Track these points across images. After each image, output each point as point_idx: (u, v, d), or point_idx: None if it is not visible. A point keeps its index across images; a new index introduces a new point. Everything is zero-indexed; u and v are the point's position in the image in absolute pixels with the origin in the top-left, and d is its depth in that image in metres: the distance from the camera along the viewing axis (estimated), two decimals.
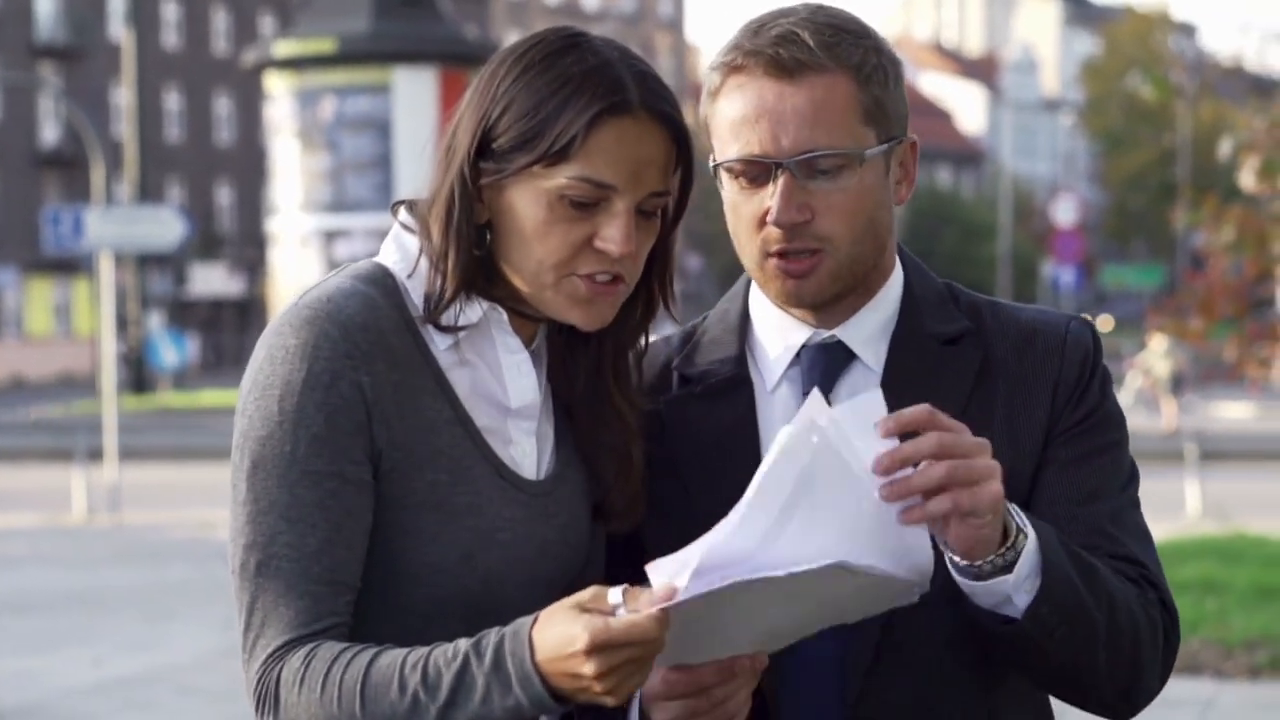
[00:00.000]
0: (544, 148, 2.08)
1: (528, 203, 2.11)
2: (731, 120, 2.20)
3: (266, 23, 64.33)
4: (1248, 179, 12.98)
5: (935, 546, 1.99)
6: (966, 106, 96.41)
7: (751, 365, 2.32)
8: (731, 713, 2.03)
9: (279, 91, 20.57)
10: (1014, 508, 2.04)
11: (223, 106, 64.79)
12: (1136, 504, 2.26)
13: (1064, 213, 47.35)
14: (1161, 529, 2.68)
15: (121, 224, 20.43)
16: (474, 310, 2.16)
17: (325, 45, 20.29)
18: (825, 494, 1.89)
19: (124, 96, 43.56)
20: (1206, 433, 20.04)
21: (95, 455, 19.09)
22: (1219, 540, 12.74)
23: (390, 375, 2.09)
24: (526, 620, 1.91)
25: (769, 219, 2.18)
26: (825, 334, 2.27)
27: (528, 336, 2.21)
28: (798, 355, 2.28)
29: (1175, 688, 8.64)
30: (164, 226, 21.09)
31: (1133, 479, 2.27)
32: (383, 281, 2.15)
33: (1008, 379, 2.24)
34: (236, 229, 64.13)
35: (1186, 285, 14.68)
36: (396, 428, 2.09)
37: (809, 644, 2.08)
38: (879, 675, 2.19)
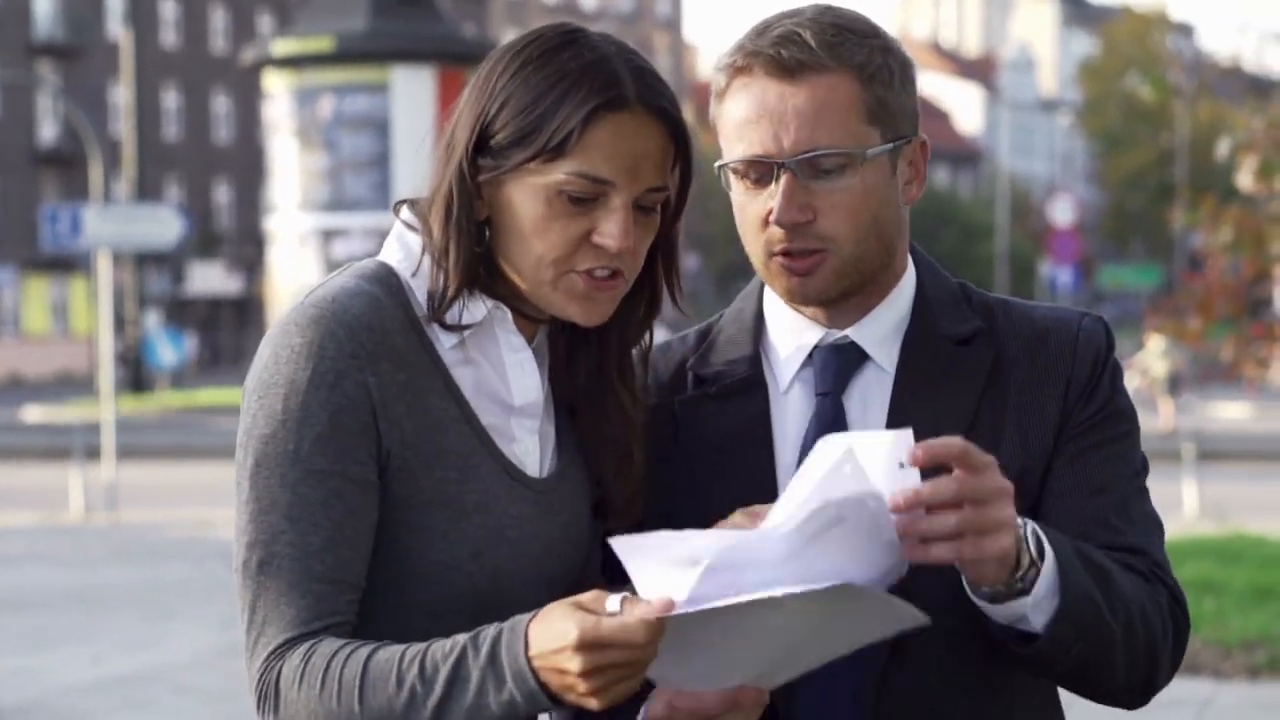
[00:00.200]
0: (541, 143, 2.09)
1: (526, 199, 2.11)
2: (736, 121, 2.21)
3: (265, 21, 64.31)
4: (1246, 179, 12.98)
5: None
6: (964, 106, 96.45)
7: (765, 366, 2.32)
8: None
9: (277, 90, 20.57)
10: (1031, 529, 2.03)
11: (221, 105, 64.78)
12: (1144, 493, 2.27)
13: (1062, 213, 47.35)
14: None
15: (119, 222, 20.41)
16: (478, 309, 2.16)
17: (323, 44, 20.29)
18: (846, 524, 1.88)
19: (122, 95, 43.55)
20: (1204, 433, 20.02)
21: (93, 454, 19.08)
22: (1217, 540, 12.74)
23: (396, 375, 2.10)
24: (526, 616, 1.92)
25: (771, 219, 2.19)
26: (838, 334, 2.28)
27: (529, 335, 2.21)
28: (810, 356, 2.29)
29: (1173, 687, 8.62)
30: (162, 225, 21.08)
31: (1142, 470, 2.28)
32: (387, 280, 2.15)
33: (1019, 378, 2.25)
34: (234, 228, 64.11)
35: (1184, 285, 14.69)
36: (404, 426, 2.10)
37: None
38: (892, 670, 2.19)
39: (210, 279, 60.96)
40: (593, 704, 1.88)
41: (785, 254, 2.20)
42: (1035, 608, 2.03)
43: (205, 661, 9.91)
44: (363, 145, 20.14)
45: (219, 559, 13.46)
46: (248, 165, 61.25)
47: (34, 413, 33.72)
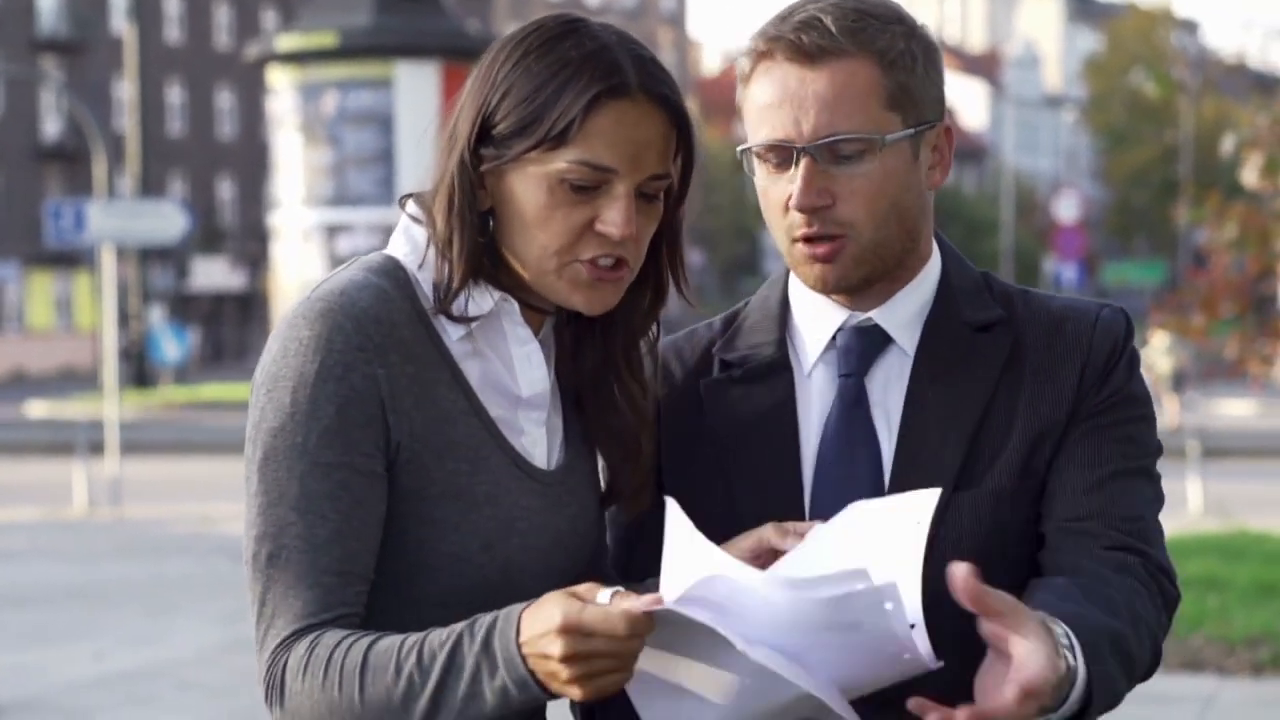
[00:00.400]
0: (543, 132, 2.09)
1: (528, 188, 2.11)
2: (758, 106, 2.22)
3: (269, 17, 64.33)
4: (1250, 176, 12.96)
5: None
6: (969, 102, 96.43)
7: (790, 349, 2.34)
8: None
9: (281, 86, 20.57)
10: (1068, 669, 1.98)
11: (225, 100, 64.80)
12: (1149, 474, 2.27)
13: (1066, 209, 47.35)
14: (1163, 526, 2.69)
15: (123, 218, 20.42)
16: (485, 300, 2.16)
17: (327, 39, 20.29)
18: (861, 630, 1.88)
19: (126, 90, 43.58)
20: (1208, 430, 20.03)
21: (96, 449, 19.09)
22: (1221, 537, 12.74)
23: (405, 367, 2.10)
24: (522, 604, 1.93)
25: (790, 204, 2.20)
26: (861, 317, 2.29)
27: (535, 327, 2.22)
28: (834, 338, 2.30)
29: (1177, 684, 8.66)
30: (166, 220, 21.08)
31: (1150, 454, 2.28)
32: (394, 273, 2.15)
33: (1035, 364, 2.26)
34: (238, 223, 64.14)
35: (1188, 282, 14.66)
36: (413, 419, 2.10)
37: None
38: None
39: (214, 274, 60.97)
40: (575, 692, 1.88)
41: (806, 240, 2.21)
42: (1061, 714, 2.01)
43: (208, 657, 9.92)
44: (367, 141, 20.14)
45: (222, 554, 13.47)
46: (252, 161, 61.25)
47: (37, 408, 33.75)
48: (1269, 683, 8.94)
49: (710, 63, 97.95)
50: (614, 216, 2.10)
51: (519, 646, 1.90)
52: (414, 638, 1.97)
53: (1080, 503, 2.21)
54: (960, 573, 1.85)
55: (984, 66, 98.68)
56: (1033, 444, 2.22)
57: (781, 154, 2.21)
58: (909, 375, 2.27)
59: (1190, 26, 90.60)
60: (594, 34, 2.13)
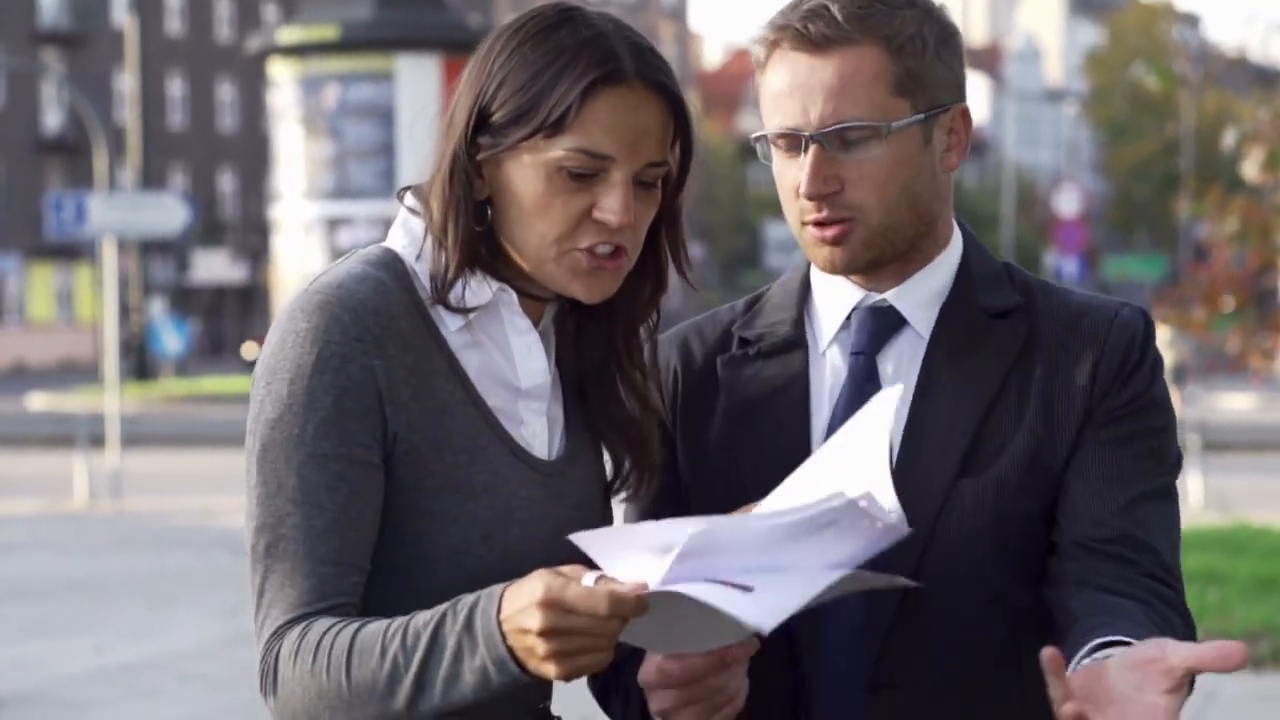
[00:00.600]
0: (540, 120, 2.09)
1: (526, 176, 2.12)
2: (771, 93, 2.25)
3: (270, 9, 64.30)
4: (1251, 170, 12.96)
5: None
6: (970, 96, 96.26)
7: (808, 328, 2.36)
8: (731, 693, 2.07)
9: (282, 78, 20.57)
10: None
11: (226, 93, 64.79)
12: (1168, 493, 2.26)
13: (1067, 203, 47.30)
14: None
15: (124, 210, 20.43)
16: (484, 291, 2.16)
17: (329, 32, 20.29)
18: (838, 525, 1.91)
19: (127, 82, 43.57)
20: (1209, 424, 20.03)
21: (97, 441, 19.10)
22: (1221, 531, 12.74)
23: (403, 359, 2.10)
24: (505, 583, 1.93)
25: (799, 190, 2.22)
26: (877, 297, 2.31)
27: (535, 317, 2.22)
28: (849, 318, 2.32)
29: None
30: (167, 213, 21.09)
31: (1171, 469, 2.27)
32: (392, 265, 2.16)
33: (1050, 355, 2.26)
34: (239, 216, 64.15)
35: (1189, 276, 14.67)
36: (411, 410, 2.10)
37: (834, 607, 2.11)
38: (899, 640, 2.21)
39: (215, 267, 60.97)
40: (550, 669, 1.88)
41: (816, 224, 2.23)
42: None
43: (209, 650, 9.92)
44: (368, 134, 20.14)
45: (223, 547, 13.47)
46: (252, 153, 61.23)
47: (38, 400, 33.76)
48: (1269, 677, 8.94)
49: (711, 56, 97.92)
50: (612, 204, 2.10)
51: (499, 623, 1.90)
52: (400, 620, 1.97)
53: (1111, 525, 2.19)
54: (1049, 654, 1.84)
55: (985, 60, 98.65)
56: (1042, 436, 2.22)
57: (791, 141, 2.23)
58: (922, 357, 2.28)
59: (1191, 20, 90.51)
60: (590, 21, 2.13)
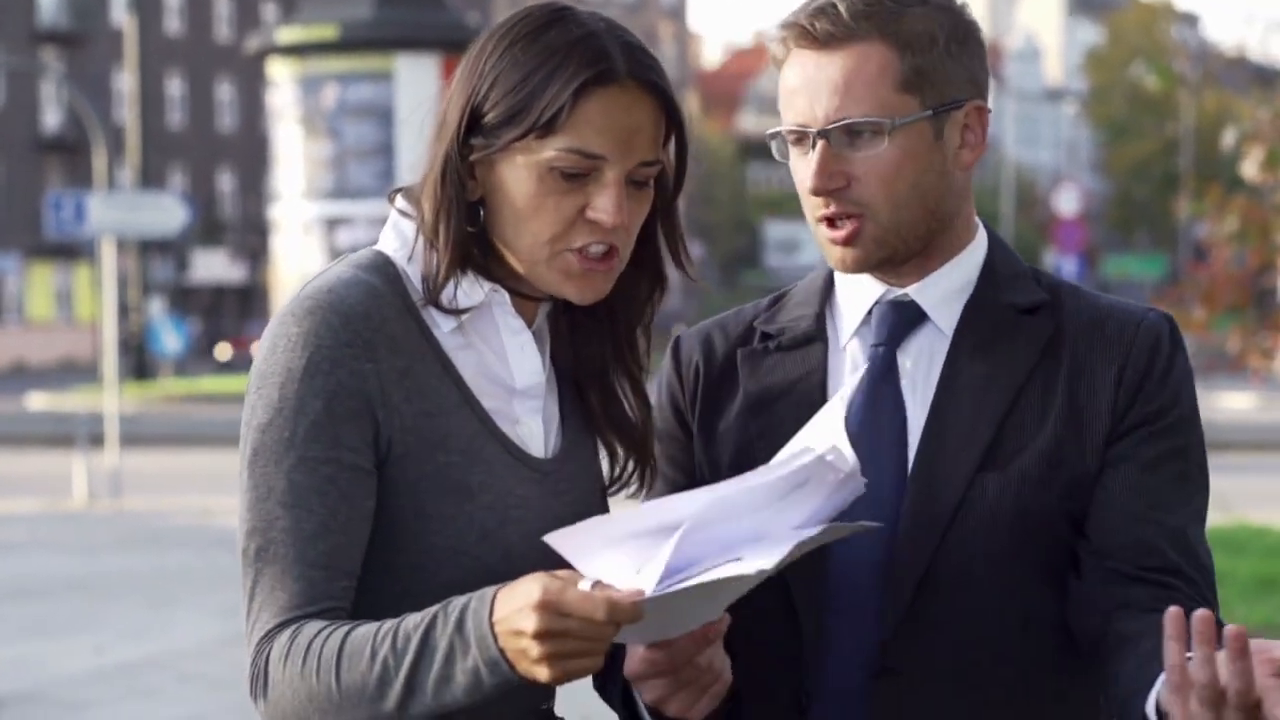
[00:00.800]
0: (532, 120, 2.09)
1: (519, 177, 2.12)
2: (784, 90, 2.27)
3: (269, 9, 64.31)
4: (1251, 169, 12.95)
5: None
6: None
7: (829, 323, 2.37)
8: (719, 670, 2.08)
9: (281, 78, 20.58)
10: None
11: (225, 92, 64.80)
12: (1202, 518, 2.27)
13: (1066, 202, 47.27)
14: None
15: (124, 210, 20.42)
16: (476, 292, 2.16)
17: (328, 32, 20.31)
18: (810, 484, 1.96)
19: (126, 82, 43.53)
20: (1209, 423, 19.96)
21: (96, 441, 19.09)
22: (1221, 531, 12.72)
23: (395, 362, 2.10)
24: (496, 585, 1.93)
25: (807, 186, 2.24)
26: (898, 292, 2.31)
27: (529, 317, 2.22)
28: (870, 312, 2.33)
29: None
30: (166, 213, 21.08)
31: (1201, 489, 2.28)
32: (384, 269, 2.16)
33: (1075, 354, 2.26)
34: (238, 215, 64.16)
35: (1189, 275, 14.67)
36: (404, 413, 2.10)
37: (846, 592, 2.15)
38: (912, 626, 2.21)
39: (214, 267, 60.99)
40: (543, 673, 1.88)
41: (828, 221, 2.25)
42: None
43: (209, 649, 9.92)
44: (367, 133, 20.16)
45: (222, 546, 13.47)
46: (252, 153, 61.24)
47: (38, 400, 33.75)
48: None
49: (711, 56, 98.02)
50: (605, 203, 2.10)
51: (492, 625, 1.89)
52: (390, 623, 1.97)
53: (1157, 553, 2.20)
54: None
55: None
56: (1066, 435, 2.22)
57: (801, 138, 2.25)
58: (947, 352, 2.29)
59: (1191, 19, 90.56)
60: (581, 21, 2.13)
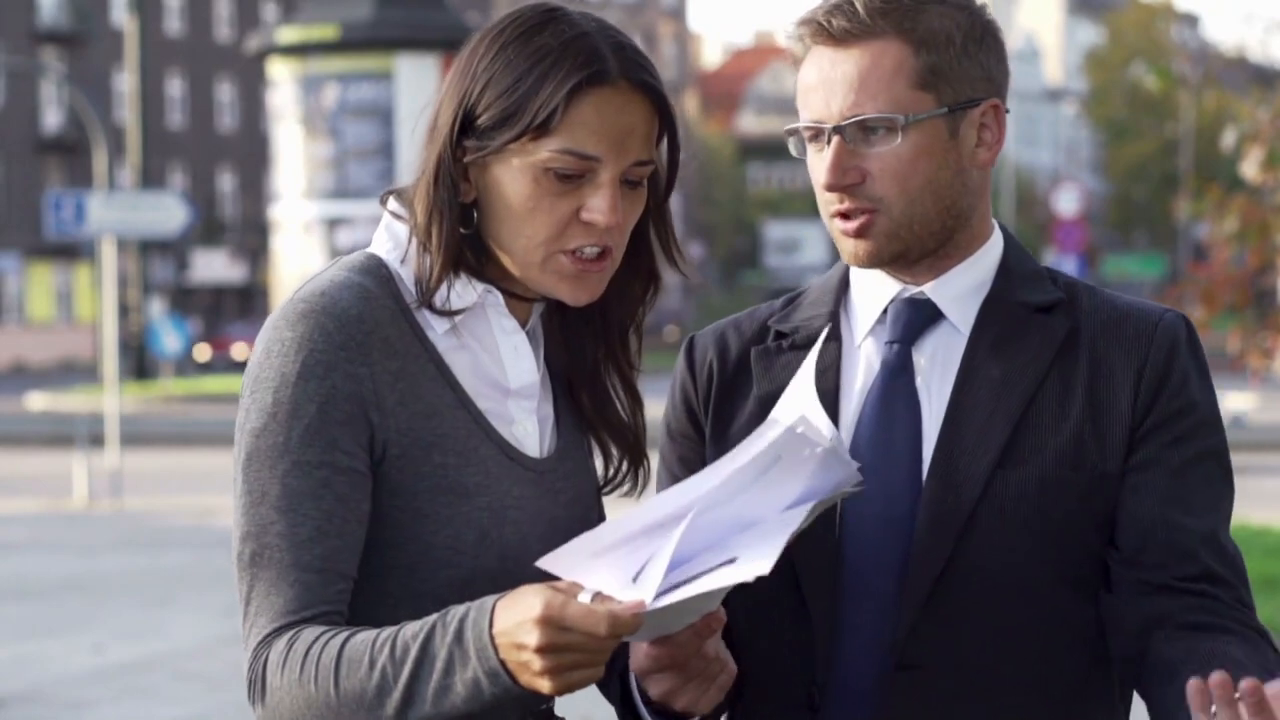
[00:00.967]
0: (525, 122, 2.09)
1: (513, 179, 2.12)
2: (801, 88, 2.28)
3: (269, 9, 64.31)
4: (1251, 169, 12.95)
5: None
6: None
7: (844, 321, 2.37)
8: (724, 660, 2.08)
9: (282, 78, 20.59)
10: None
11: (225, 92, 64.80)
12: (1229, 518, 2.27)
13: (1066, 202, 47.24)
14: None
15: (124, 210, 20.42)
16: (469, 293, 2.17)
17: (328, 32, 20.32)
18: (783, 461, 1.95)
19: (126, 82, 43.54)
20: None
21: (96, 441, 19.10)
22: None
23: (389, 364, 2.10)
24: (496, 595, 1.93)
25: (822, 181, 2.24)
26: (914, 290, 2.31)
27: (523, 317, 2.22)
28: (886, 310, 2.33)
29: None
30: (166, 213, 21.08)
31: (1228, 490, 2.28)
32: (376, 271, 2.16)
33: (1093, 353, 2.26)
34: (239, 215, 64.16)
35: (1188, 276, 14.66)
36: (399, 415, 2.10)
37: (859, 584, 2.15)
38: (928, 621, 2.21)
39: (214, 267, 60.99)
40: (544, 685, 1.88)
41: (841, 216, 2.25)
42: None
43: (208, 649, 9.92)
44: (367, 133, 20.16)
45: (222, 546, 13.46)
46: (252, 153, 61.26)
47: (38, 400, 33.75)
48: None
49: (711, 56, 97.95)
50: (599, 204, 2.10)
51: (492, 637, 1.89)
52: (388, 631, 1.97)
53: (1190, 558, 2.20)
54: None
55: None
56: (1085, 434, 2.22)
57: (816, 134, 2.25)
58: (963, 350, 2.29)
59: (1191, 20, 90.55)
60: (573, 22, 2.13)
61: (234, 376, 37.57)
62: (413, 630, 1.95)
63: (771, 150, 76.76)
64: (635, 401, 2.30)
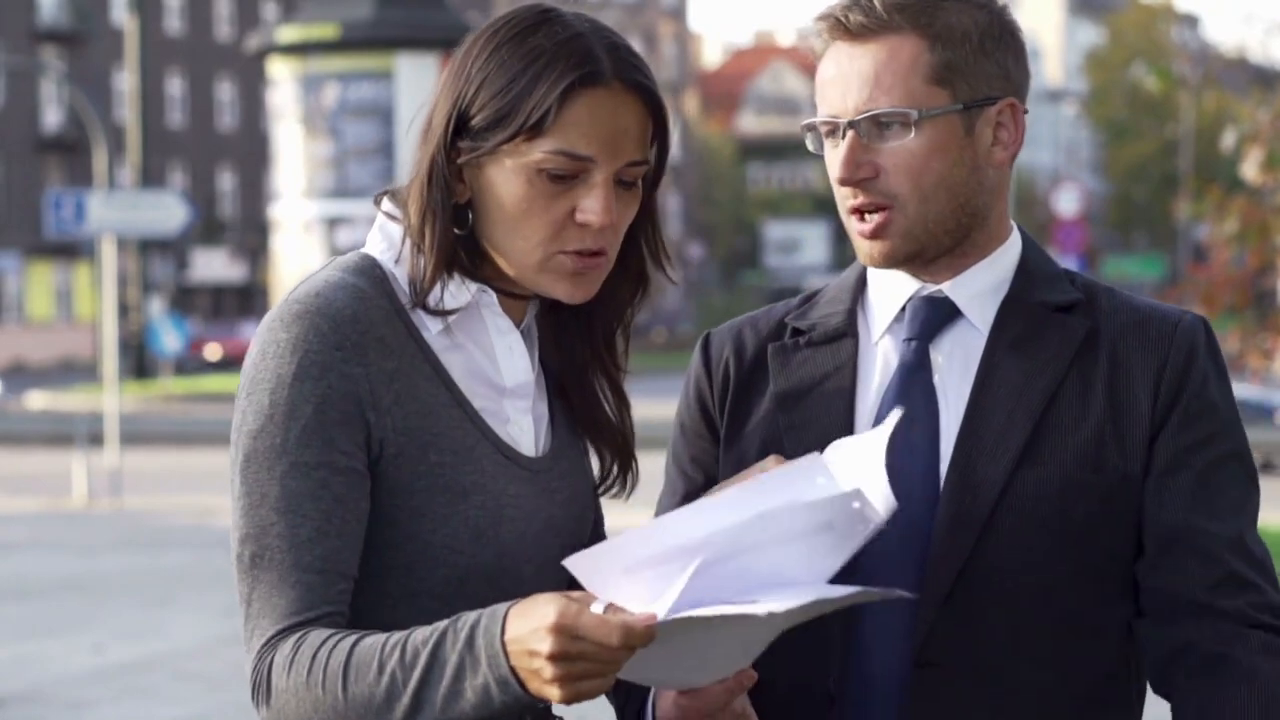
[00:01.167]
0: (519, 123, 2.09)
1: (507, 179, 2.12)
2: (820, 83, 2.28)
3: (269, 8, 64.30)
4: (1250, 170, 12.96)
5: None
6: None
7: (861, 319, 2.36)
8: (750, 716, 2.11)
9: (282, 77, 20.59)
10: None
11: (225, 92, 64.79)
12: (1255, 522, 2.27)
13: (1066, 203, 47.22)
14: None
15: (123, 209, 20.42)
16: (463, 293, 2.17)
17: (328, 31, 20.32)
18: (834, 530, 1.94)
19: (127, 81, 43.55)
20: None
21: (96, 440, 19.10)
22: None
23: (384, 364, 2.11)
24: (508, 603, 1.93)
25: (836, 176, 2.25)
26: (933, 288, 2.31)
27: (517, 317, 2.22)
28: (904, 308, 2.32)
29: None
30: (166, 212, 21.09)
31: (1254, 491, 2.28)
32: (370, 271, 2.16)
33: (1112, 354, 2.26)
34: (238, 215, 64.16)
35: (1188, 276, 14.67)
36: (395, 415, 2.10)
37: (878, 583, 2.13)
38: (947, 621, 2.21)
39: (214, 266, 60.98)
40: (554, 693, 1.88)
41: (857, 213, 2.25)
42: None
43: (207, 649, 9.92)
44: (367, 133, 20.17)
45: (222, 546, 13.43)
46: (252, 152, 61.24)
47: (37, 399, 33.75)
48: None
49: (711, 56, 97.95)
50: (593, 205, 2.10)
51: (504, 644, 1.89)
52: (398, 635, 1.97)
53: (1214, 560, 2.20)
54: None
55: None
56: (1106, 434, 2.22)
57: (831, 128, 2.26)
58: (982, 349, 2.28)
59: (1191, 20, 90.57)
60: (567, 23, 2.13)
61: (231, 376, 37.57)
62: (423, 635, 1.95)
63: (772, 150, 76.77)
64: (622, 403, 2.30)
